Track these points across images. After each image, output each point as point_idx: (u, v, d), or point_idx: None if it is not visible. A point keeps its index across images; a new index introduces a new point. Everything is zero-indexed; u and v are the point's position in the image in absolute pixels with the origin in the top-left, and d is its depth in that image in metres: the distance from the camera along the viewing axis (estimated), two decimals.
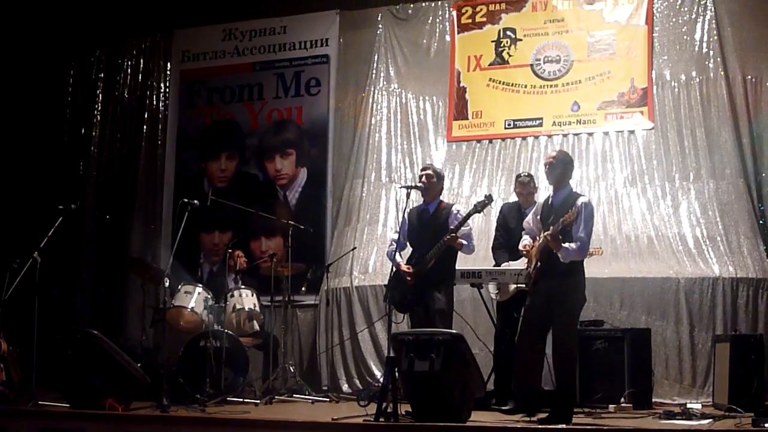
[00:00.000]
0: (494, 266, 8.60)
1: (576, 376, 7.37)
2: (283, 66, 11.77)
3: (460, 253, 8.24)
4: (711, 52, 10.00)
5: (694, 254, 9.50)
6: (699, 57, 10.06)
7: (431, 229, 8.10)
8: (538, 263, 7.04)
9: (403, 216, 8.15)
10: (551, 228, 6.88)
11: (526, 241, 7.39)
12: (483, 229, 9.93)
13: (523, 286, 8.16)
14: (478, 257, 8.93)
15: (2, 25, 12.02)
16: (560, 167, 7.22)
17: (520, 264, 8.22)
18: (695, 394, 8.95)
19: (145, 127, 12.14)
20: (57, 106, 12.51)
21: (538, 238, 7.19)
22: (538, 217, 7.36)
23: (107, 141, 12.29)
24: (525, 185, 8.67)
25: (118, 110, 12.34)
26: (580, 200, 6.97)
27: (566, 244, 6.85)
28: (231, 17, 12.05)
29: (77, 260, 11.89)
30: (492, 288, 8.58)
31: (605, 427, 6.65)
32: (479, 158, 10.64)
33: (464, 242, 8.06)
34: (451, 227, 7.95)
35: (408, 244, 8.37)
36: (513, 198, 9.17)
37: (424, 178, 8.26)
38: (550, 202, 7.29)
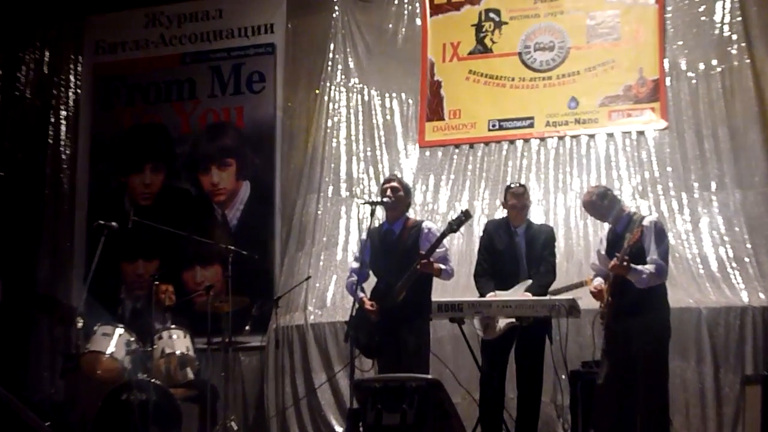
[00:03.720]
0: (478, 297, 8.63)
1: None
2: (220, 58, 11.85)
3: (435, 281, 8.28)
4: (734, 36, 10.12)
5: (718, 279, 9.61)
6: (720, 42, 10.18)
7: (398, 254, 8.12)
8: (610, 299, 7.37)
9: (364, 240, 8.16)
10: (616, 257, 7.25)
11: (596, 282, 7.72)
12: (464, 251, 9.98)
13: (514, 321, 8.24)
14: (458, 286, 8.98)
15: None
16: (599, 202, 7.69)
17: (510, 294, 8.28)
18: None
19: (51, 133, 12.14)
20: None
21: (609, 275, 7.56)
22: (604, 252, 7.71)
23: (6, 151, 12.25)
24: (519, 197, 8.68)
25: (19, 114, 12.31)
26: (647, 219, 7.47)
27: (637, 267, 7.24)
28: (155, 0, 12.08)
29: None
30: (477, 324, 8.60)
31: None
32: (458, 167, 10.72)
33: (441, 266, 8.10)
34: (423, 251, 7.98)
35: (371, 273, 8.38)
36: (499, 214, 9.23)
37: (389, 192, 8.28)
38: (613, 232, 7.70)
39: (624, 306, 7.31)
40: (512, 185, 8.82)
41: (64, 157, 12.10)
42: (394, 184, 8.36)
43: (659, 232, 7.45)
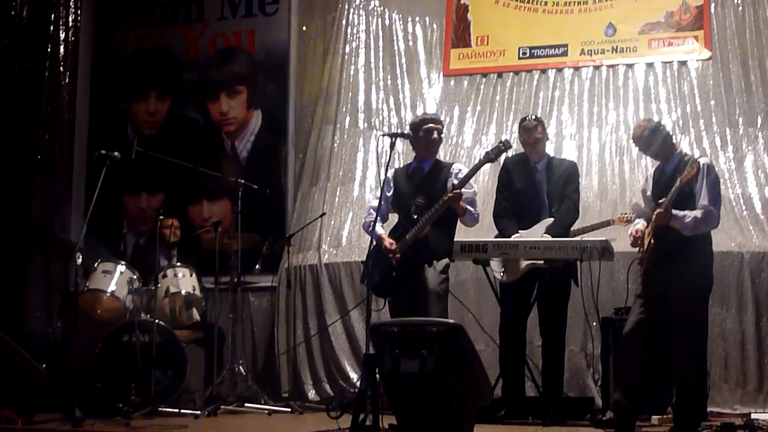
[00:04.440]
0: (497, 237, 8.57)
1: (704, 383, 7.62)
2: None
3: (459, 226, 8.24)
4: None
5: (763, 222, 9.57)
6: None
7: (426, 193, 8.07)
8: (652, 241, 7.25)
9: (385, 178, 8.11)
10: (659, 204, 7.15)
11: (639, 225, 7.57)
12: (490, 189, 9.92)
13: (541, 263, 8.19)
14: (482, 226, 8.93)
15: None
16: (651, 138, 7.48)
17: (530, 234, 8.23)
18: (761, 401, 9.01)
19: (49, 56, 12.07)
20: None
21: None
22: (649, 193, 7.59)
23: (1, 77, 12.18)
24: (530, 131, 8.62)
25: (15, 37, 12.23)
26: (701, 160, 7.27)
27: (680, 212, 7.12)
28: None
29: None
30: (496, 265, 8.56)
31: None
32: (485, 97, 10.68)
33: (468, 207, 8.05)
34: (454, 183, 7.92)
35: (395, 212, 8.33)
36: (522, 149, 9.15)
37: (435, 134, 8.22)
38: (661, 171, 7.55)
39: (666, 250, 7.20)
40: (525, 119, 8.75)
41: (63, 82, 12.03)
42: (440, 126, 8.31)
43: (712, 177, 7.28)
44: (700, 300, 7.35)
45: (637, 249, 7.53)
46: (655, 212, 7.16)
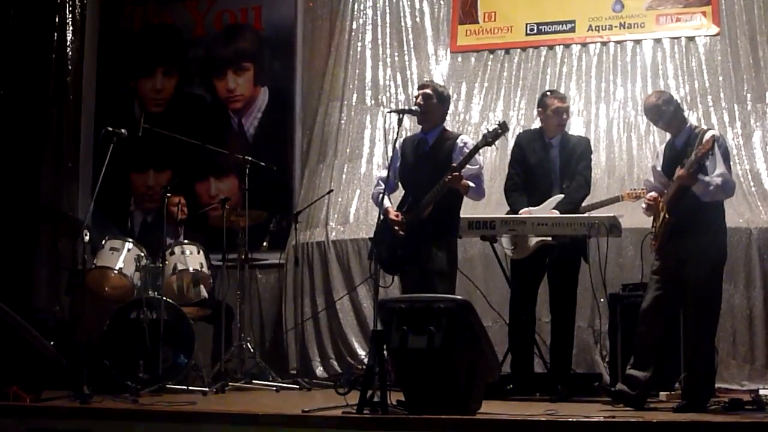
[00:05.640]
0: (508, 213, 8.57)
1: (713, 359, 7.64)
2: None
3: (466, 198, 8.22)
4: None
5: None
6: None
7: (429, 166, 8.05)
8: (666, 216, 7.22)
9: (394, 147, 8.08)
10: (682, 166, 7.10)
11: (652, 194, 7.52)
12: (497, 165, 9.93)
13: (549, 239, 8.18)
14: (491, 202, 8.92)
15: None
16: (664, 107, 7.44)
17: (540, 210, 8.22)
18: None
19: (55, 34, 12.06)
20: None
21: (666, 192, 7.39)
22: (659, 168, 7.55)
23: (8, 55, 12.18)
24: (564, 99, 8.62)
25: (21, 13, 12.20)
26: (710, 133, 7.20)
27: (705, 177, 7.05)
28: None
29: None
30: (506, 242, 8.56)
31: (644, 421, 6.65)
32: (492, 74, 10.64)
33: (471, 184, 8.02)
34: (454, 164, 7.90)
35: (400, 184, 8.33)
36: (537, 125, 9.12)
37: (420, 99, 8.19)
38: (672, 146, 7.49)
39: (680, 224, 7.17)
40: (551, 91, 8.74)
41: (69, 59, 12.02)
42: (427, 91, 8.24)
43: (723, 147, 7.25)
44: (714, 275, 7.30)
45: (650, 223, 7.50)
46: (678, 173, 7.11)
